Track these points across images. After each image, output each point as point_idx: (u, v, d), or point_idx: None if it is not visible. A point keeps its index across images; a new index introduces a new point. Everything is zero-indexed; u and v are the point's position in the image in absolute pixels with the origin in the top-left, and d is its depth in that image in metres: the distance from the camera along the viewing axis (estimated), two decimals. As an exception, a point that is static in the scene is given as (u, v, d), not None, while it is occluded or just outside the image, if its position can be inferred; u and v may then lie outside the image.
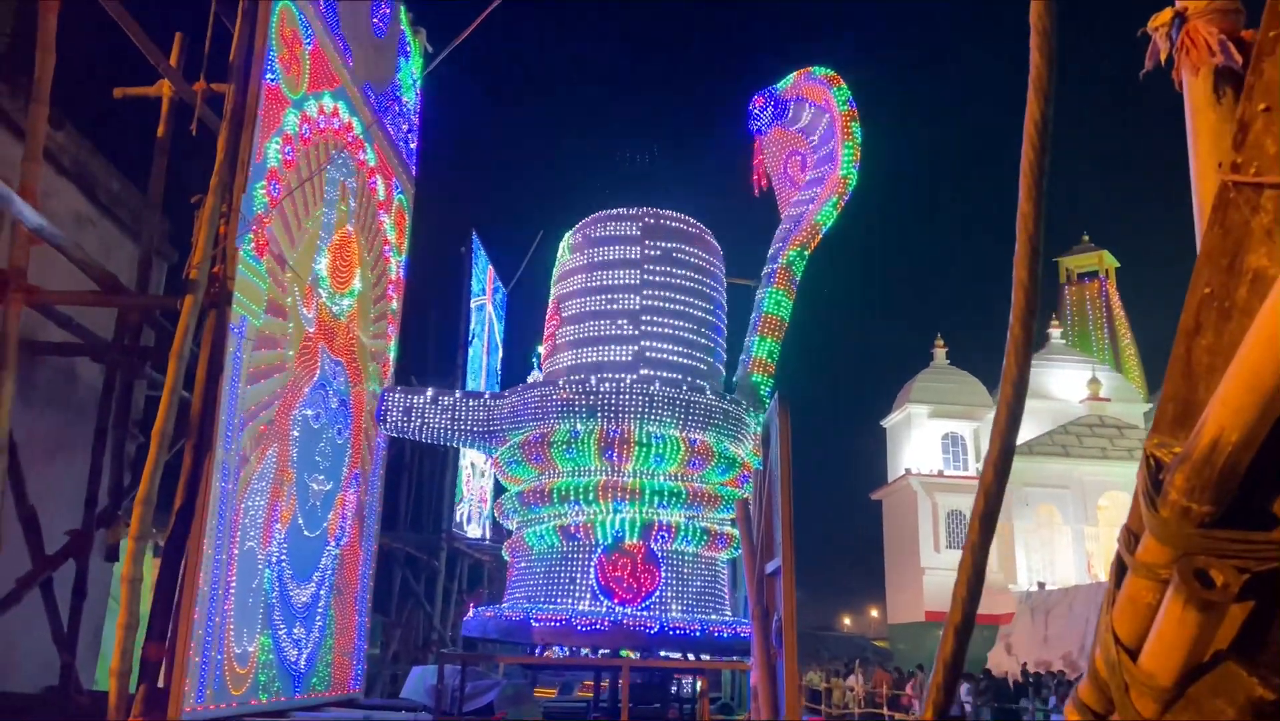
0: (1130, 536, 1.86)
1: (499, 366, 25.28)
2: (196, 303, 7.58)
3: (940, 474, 44.75)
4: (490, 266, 24.27)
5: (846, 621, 66.44)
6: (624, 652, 12.37)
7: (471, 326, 22.16)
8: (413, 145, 13.71)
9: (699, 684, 13.64)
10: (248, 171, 8.10)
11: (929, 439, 45.73)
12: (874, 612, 59.76)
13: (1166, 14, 2.40)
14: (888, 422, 49.23)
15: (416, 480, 21.61)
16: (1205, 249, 1.73)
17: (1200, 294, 1.75)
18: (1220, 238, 1.71)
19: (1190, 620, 1.65)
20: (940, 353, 48.61)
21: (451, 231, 22.67)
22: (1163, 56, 2.38)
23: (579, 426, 11.53)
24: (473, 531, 22.56)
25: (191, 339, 7.64)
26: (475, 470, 22.55)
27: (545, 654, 13.14)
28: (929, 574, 42.69)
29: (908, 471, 44.82)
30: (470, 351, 21.98)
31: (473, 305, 22.34)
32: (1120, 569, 1.86)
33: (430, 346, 22.75)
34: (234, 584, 7.99)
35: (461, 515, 21.84)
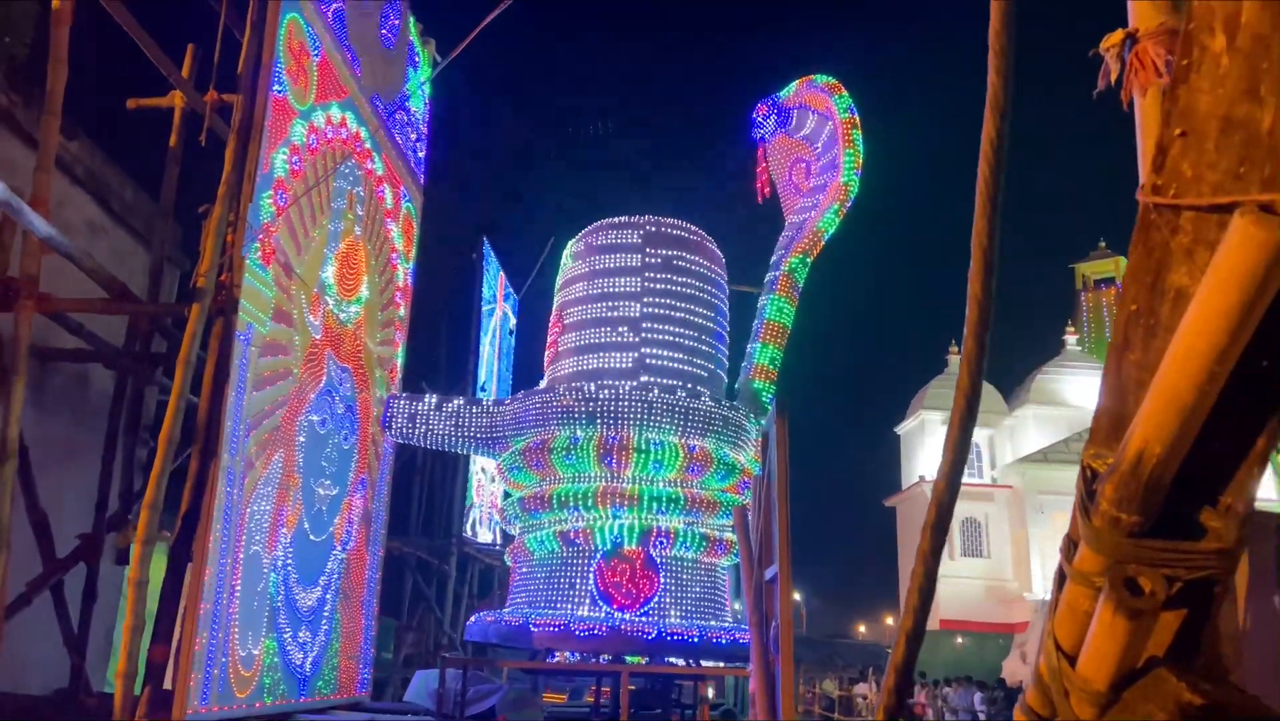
0: (1070, 545, 1.91)
1: (510, 372, 25.39)
2: (203, 310, 7.70)
3: (954, 481, 44.43)
4: (501, 273, 24.41)
5: (861, 629, 66.09)
6: (633, 659, 12.39)
7: (483, 333, 22.30)
8: (421, 154, 13.84)
9: (698, 689, 13.67)
10: (255, 181, 8.23)
11: (943, 445, 45.42)
12: (889, 620, 59.44)
13: (1118, 35, 2.45)
14: (901, 429, 49.05)
15: (428, 485, 21.75)
16: (1130, 268, 1.79)
17: (1128, 311, 1.80)
18: (1144, 257, 1.76)
19: (1120, 627, 1.70)
20: (954, 359, 48.36)
21: (463, 238, 22.83)
22: (1113, 77, 2.43)
23: (579, 433, 11.60)
24: (484, 536, 22.66)
25: (199, 346, 7.77)
26: (486, 475, 22.64)
27: (557, 658, 13.19)
28: (943, 581, 42.41)
29: (921, 478, 44.61)
30: (481, 357, 22.10)
31: (484, 311, 22.47)
32: (1062, 576, 1.92)
33: (442, 353, 22.92)
34: (239, 587, 8.10)
35: (472, 520, 21.95)
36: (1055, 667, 1.88)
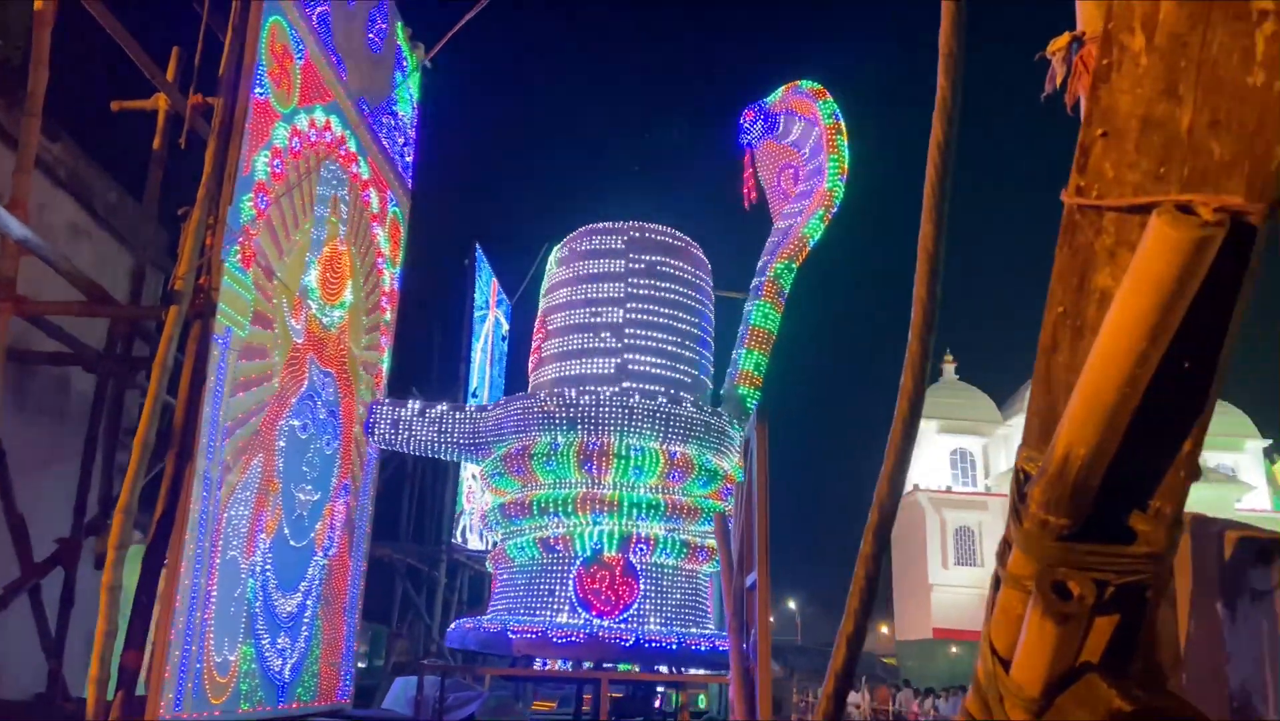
0: (1005, 548, 1.90)
1: (504, 378, 25.35)
2: (181, 313, 7.66)
3: (949, 490, 44.53)
4: (494, 278, 24.39)
5: (856, 637, 65.92)
6: (624, 666, 12.31)
7: (475, 339, 22.26)
8: (409, 158, 13.81)
9: (680, 697, 13.63)
10: (235, 183, 8.21)
11: (937, 455, 45.53)
12: (884, 629, 59.41)
13: (1065, 38, 2.44)
14: (896, 437, 49.02)
15: (419, 491, 21.68)
16: (1057, 269, 1.77)
17: (1055, 312, 1.79)
18: (1069, 258, 1.75)
19: (1049, 631, 1.68)
20: (949, 368, 48.46)
21: (455, 244, 22.84)
22: (1059, 80, 2.41)
23: (559, 439, 11.55)
24: (474, 543, 22.60)
25: (176, 349, 7.73)
26: (478, 482, 22.57)
27: (550, 665, 13.11)
28: (937, 590, 42.42)
29: (916, 487, 44.60)
30: (473, 363, 22.07)
31: (476, 317, 22.44)
32: (997, 580, 1.90)
33: (435, 358, 22.88)
34: (215, 593, 8.04)
35: (463, 527, 21.89)
36: (990, 672, 1.86)
